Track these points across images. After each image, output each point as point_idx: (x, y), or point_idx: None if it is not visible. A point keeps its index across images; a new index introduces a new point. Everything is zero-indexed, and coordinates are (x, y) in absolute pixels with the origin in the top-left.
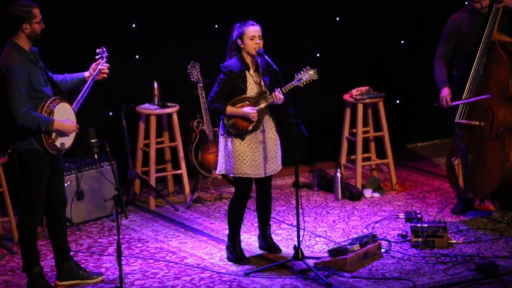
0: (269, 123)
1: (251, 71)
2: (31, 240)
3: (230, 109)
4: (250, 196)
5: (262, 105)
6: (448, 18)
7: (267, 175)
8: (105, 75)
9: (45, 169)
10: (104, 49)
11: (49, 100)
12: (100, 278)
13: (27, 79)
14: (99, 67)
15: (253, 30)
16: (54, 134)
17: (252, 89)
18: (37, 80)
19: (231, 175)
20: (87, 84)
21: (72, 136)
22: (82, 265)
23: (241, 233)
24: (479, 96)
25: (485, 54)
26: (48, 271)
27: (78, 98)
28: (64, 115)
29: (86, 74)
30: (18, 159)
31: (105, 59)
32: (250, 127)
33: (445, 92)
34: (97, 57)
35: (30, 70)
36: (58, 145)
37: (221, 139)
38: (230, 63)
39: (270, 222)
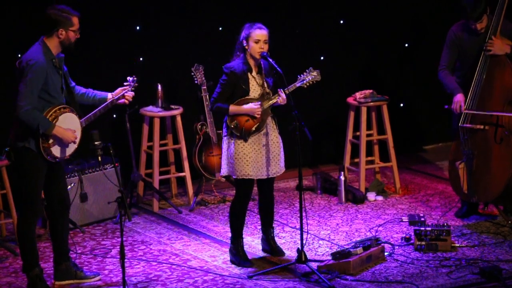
0: (272, 126)
1: (254, 73)
2: (29, 241)
3: (233, 108)
4: (253, 198)
5: (265, 106)
6: (450, 28)
7: (270, 176)
8: (127, 102)
9: (39, 170)
10: (134, 78)
11: (57, 107)
12: (97, 278)
13: (42, 80)
14: (125, 93)
15: (259, 33)
16: (51, 140)
17: (254, 91)
18: (53, 86)
19: (233, 177)
20: (105, 103)
21: (72, 147)
22: (85, 267)
23: (244, 236)
24: (498, 112)
25: (487, 58)
26: (50, 272)
27: (91, 114)
28: (68, 125)
29: (109, 96)
30: (15, 156)
31: (131, 88)
32: (253, 128)
33: (460, 97)
34: (125, 83)
35: (49, 74)
36: (54, 152)
37: (224, 141)
38: (232, 64)
39: (273, 225)
